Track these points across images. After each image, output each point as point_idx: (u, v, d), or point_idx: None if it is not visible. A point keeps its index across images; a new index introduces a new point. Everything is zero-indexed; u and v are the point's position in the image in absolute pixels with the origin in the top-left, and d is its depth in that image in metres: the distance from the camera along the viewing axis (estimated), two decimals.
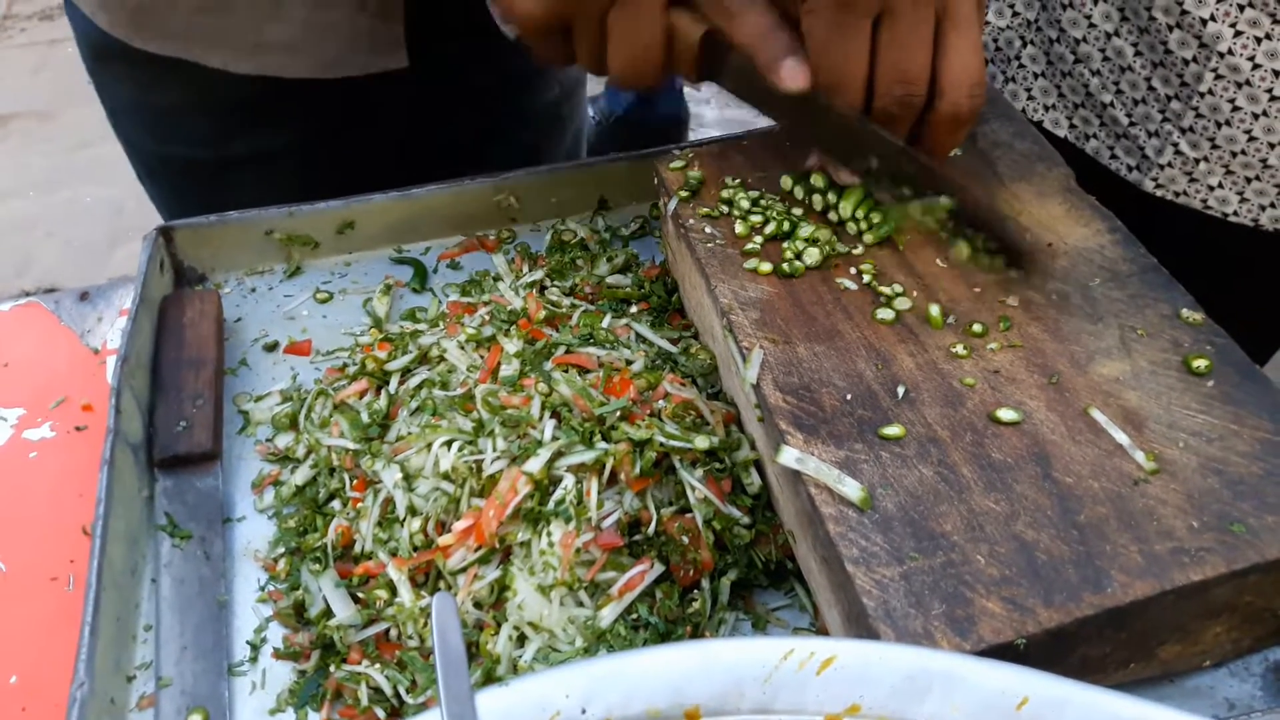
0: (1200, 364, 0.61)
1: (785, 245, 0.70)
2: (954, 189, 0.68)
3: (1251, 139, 0.87)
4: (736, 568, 0.64)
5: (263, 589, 0.67)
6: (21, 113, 3.03)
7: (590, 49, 0.68)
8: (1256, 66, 0.84)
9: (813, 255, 0.69)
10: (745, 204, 0.73)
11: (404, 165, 1.03)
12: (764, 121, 0.75)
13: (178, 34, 0.91)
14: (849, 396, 0.60)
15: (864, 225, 0.71)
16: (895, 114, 0.67)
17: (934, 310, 0.65)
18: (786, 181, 0.75)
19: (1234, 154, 0.89)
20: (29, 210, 2.76)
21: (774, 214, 0.72)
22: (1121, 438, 0.57)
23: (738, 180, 0.75)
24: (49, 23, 3.31)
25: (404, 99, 1.00)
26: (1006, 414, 0.59)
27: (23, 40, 3.30)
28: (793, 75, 0.65)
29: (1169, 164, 0.92)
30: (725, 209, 0.73)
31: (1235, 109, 0.87)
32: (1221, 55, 0.85)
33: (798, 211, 0.73)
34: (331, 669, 0.62)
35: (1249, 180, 0.90)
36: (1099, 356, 0.62)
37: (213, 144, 1.00)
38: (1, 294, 2.24)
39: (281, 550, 0.68)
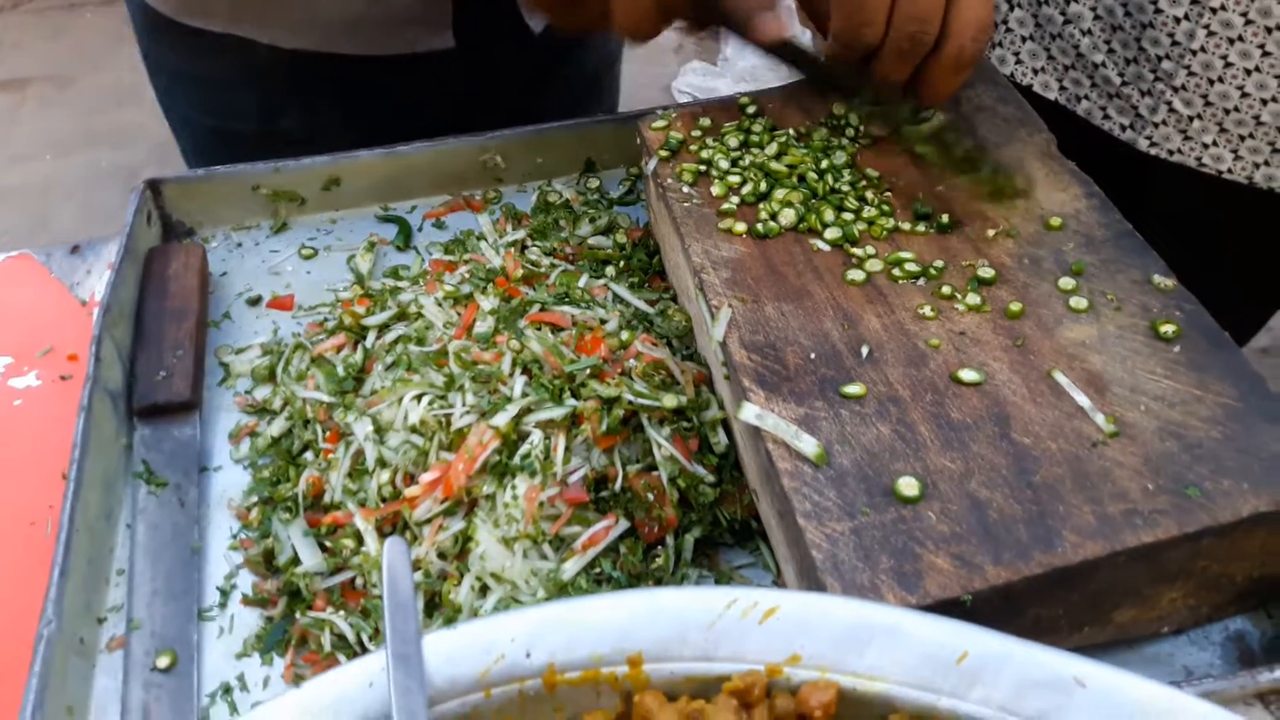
0: (1168, 329, 0.60)
1: (761, 206, 0.70)
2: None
3: (1244, 95, 0.86)
4: (701, 525, 0.65)
5: (235, 537, 0.68)
6: (39, 77, 3.04)
7: (595, 8, 0.71)
8: (1249, 23, 0.83)
9: (788, 216, 0.69)
10: (724, 164, 0.73)
11: None
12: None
13: (224, 11, 0.93)
14: (813, 355, 0.60)
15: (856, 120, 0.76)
16: (905, 50, 0.69)
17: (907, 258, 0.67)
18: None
19: (1227, 111, 0.88)
20: (47, 172, 2.78)
21: (751, 174, 0.72)
22: (1083, 400, 0.57)
23: (718, 140, 0.75)
24: None
25: (447, 78, 1.01)
26: (968, 374, 0.59)
27: (41, 5, 3.32)
28: (767, 28, 0.70)
29: (1163, 122, 0.91)
30: (704, 169, 0.73)
31: (1228, 65, 0.85)
32: (1214, 11, 0.84)
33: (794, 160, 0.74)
34: (297, 615, 0.63)
35: (1242, 138, 0.89)
36: (1067, 320, 0.62)
37: (259, 118, 1.01)
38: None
39: (255, 499, 0.69)
